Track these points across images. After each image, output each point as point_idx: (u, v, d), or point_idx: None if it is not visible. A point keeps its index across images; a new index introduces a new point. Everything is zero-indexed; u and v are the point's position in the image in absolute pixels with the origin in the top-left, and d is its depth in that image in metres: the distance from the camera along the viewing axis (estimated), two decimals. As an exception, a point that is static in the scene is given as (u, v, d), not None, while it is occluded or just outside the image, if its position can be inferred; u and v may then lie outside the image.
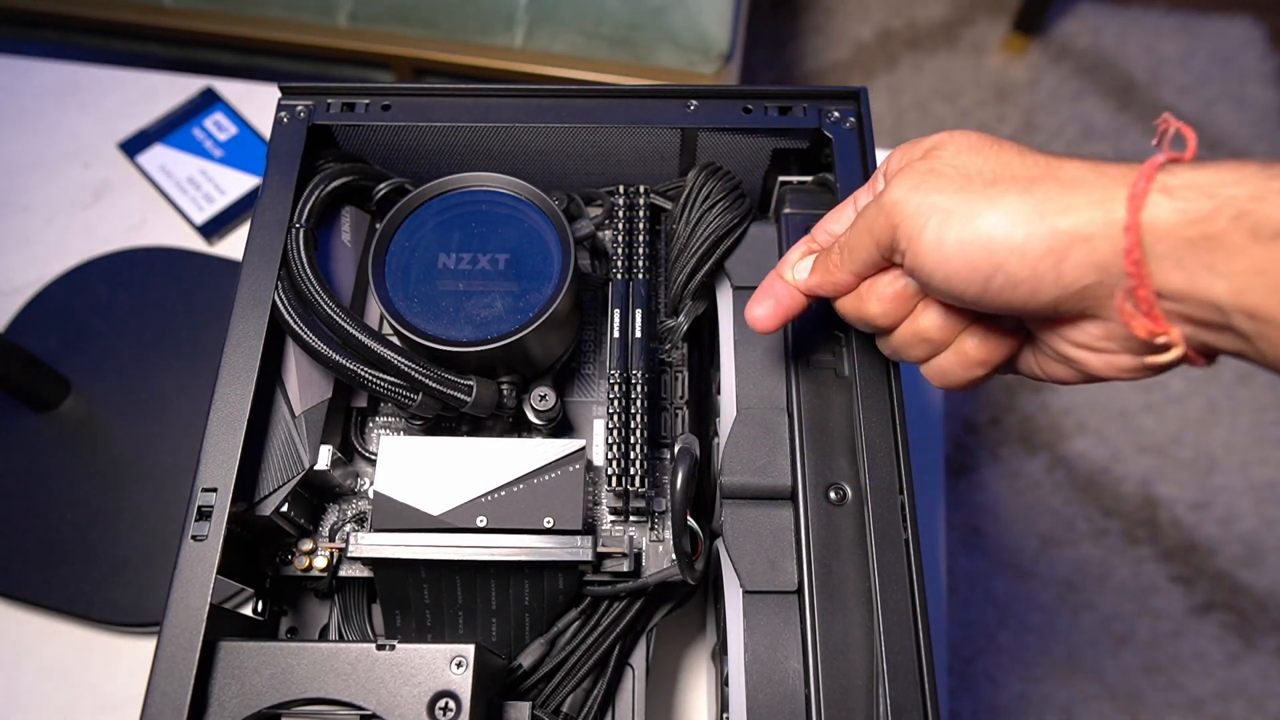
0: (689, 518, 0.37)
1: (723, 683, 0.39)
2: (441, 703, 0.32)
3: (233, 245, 0.63)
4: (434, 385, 0.38)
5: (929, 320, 0.31)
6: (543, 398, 0.42)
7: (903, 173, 0.29)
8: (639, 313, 0.42)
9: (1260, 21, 1.47)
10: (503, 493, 0.38)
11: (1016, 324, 0.31)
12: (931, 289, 0.29)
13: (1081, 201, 0.25)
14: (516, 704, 0.36)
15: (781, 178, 0.46)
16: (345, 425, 0.43)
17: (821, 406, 0.38)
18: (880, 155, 0.43)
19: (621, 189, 0.46)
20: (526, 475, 0.38)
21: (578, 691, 0.40)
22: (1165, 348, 0.25)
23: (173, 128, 0.66)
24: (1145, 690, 1.05)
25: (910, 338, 0.32)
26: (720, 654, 0.39)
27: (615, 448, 0.40)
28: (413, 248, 0.41)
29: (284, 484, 0.38)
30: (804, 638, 0.34)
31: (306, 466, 0.39)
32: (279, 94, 0.45)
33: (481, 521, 0.38)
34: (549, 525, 0.38)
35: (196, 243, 0.62)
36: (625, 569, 0.39)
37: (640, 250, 0.44)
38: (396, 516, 0.38)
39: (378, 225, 0.45)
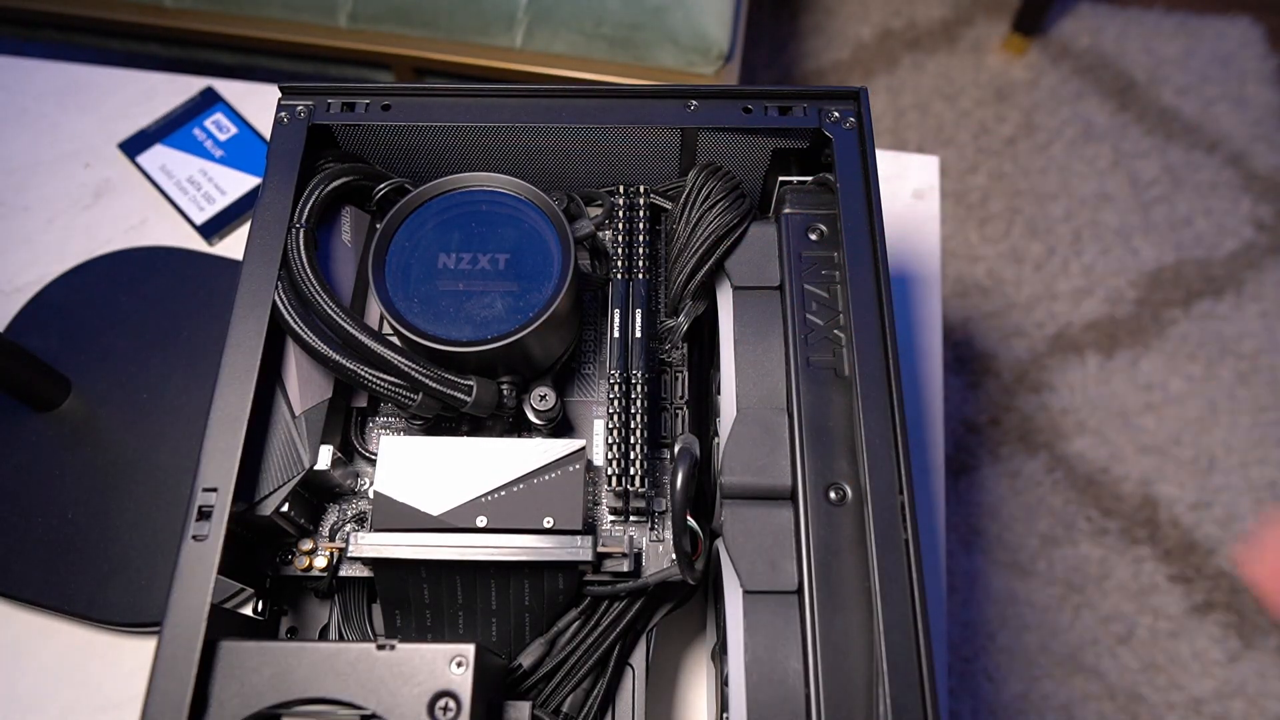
0: (689, 518, 0.37)
1: (723, 683, 0.39)
2: (442, 703, 0.32)
3: (233, 245, 0.63)
4: (434, 385, 0.38)
5: None
6: (543, 398, 0.42)
7: None
8: (639, 313, 0.42)
9: (1260, 21, 1.47)
10: (503, 493, 0.38)
11: None
12: None
13: None
14: (516, 704, 0.36)
15: (781, 178, 0.46)
16: (345, 425, 0.43)
17: (821, 406, 0.38)
18: (880, 155, 0.42)
19: (621, 189, 0.46)
20: (526, 475, 0.38)
21: (578, 691, 0.40)
22: None
23: (173, 128, 0.66)
24: (1145, 690, 1.05)
25: None
26: (720, 654, 0.39)
27: (615, 448, 0.40)
28: (413, 248, 0.41)
29: (284, 484, 0.38)
30: (804, 638, 0.34)
31: (306, 466, 0.39)
32: (279, 94, 0.45)
33: (481, 521, 0.38)
34: (549, 525, 0.38)
35: (196, 243, 0.62)
36: (625, 569, 0.39)
37: (640, 250, 0.44)
38: (396, 516, 0.38)
39: (378, 225, 0.46)
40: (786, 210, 0.43)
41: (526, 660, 0.39)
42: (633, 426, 0.40)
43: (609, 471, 0.40)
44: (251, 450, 0.38)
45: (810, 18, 1.50)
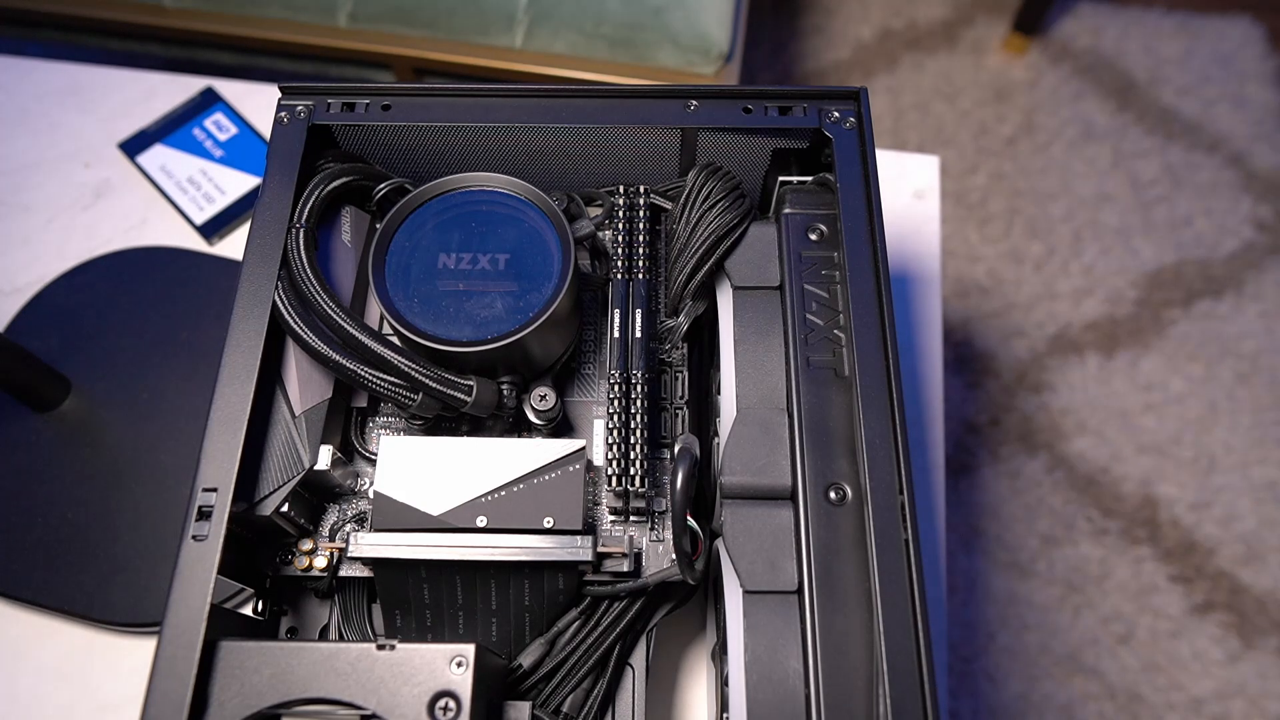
0: (689, 518, 0.37)
1: (723, 683, 0.39)
2: (442, 703, 0.32)
3: (233, 245, 0.63)
4: (434, 385, 0.38)
5: None
6: (543, 398, 0.42)
7: None
8: (639, 313, 0.42)
9: (1260, 21, 1.47)
10: (503, 493, 0.38)
11: None
12: None
13: None
14: (516, 704, 0.36)
15: (781, 178, 0.46)
16: (345, 425, 0.43)
17: (821, 406, 0.38)
18: (880, 155, 0.42)
19: (621, 189, 0.46)
20: (526, 475, 0.38)
21: (578, 691, 0.40)
22: None
23: (173, 128, 0.66)
24: (1145, 690, 1.05)
25: None
26: (720, 654, 0.39)
27: (615, 448, 0.40)
28: (413, 248, 0.41)
29: (284, 484, 0.38)
30: (804, 638, 0.34)
31: (306, 466, 0.39)
32: (279, 94, 0.45)
33: (481, 521, 0.38)
34: (549, 525, 0.38)
35: (196, 243, 0.62)
36: (625, 569, 0.39)
37: (640, 250, 0.44)
38: (396, 516, 0.38)
39: (378, 225, 0.46)
40: (786, 210, 0.43)
41: (526, 660, 0.39)
42: (633, 426, 0.40)
43: (609, 471, 0.39)
44: (251, 450, 0.38)
45: (810, 18, 1.50)
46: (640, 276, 0.44)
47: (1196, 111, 1.40)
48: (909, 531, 0.35)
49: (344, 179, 0.44)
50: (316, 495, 0.42)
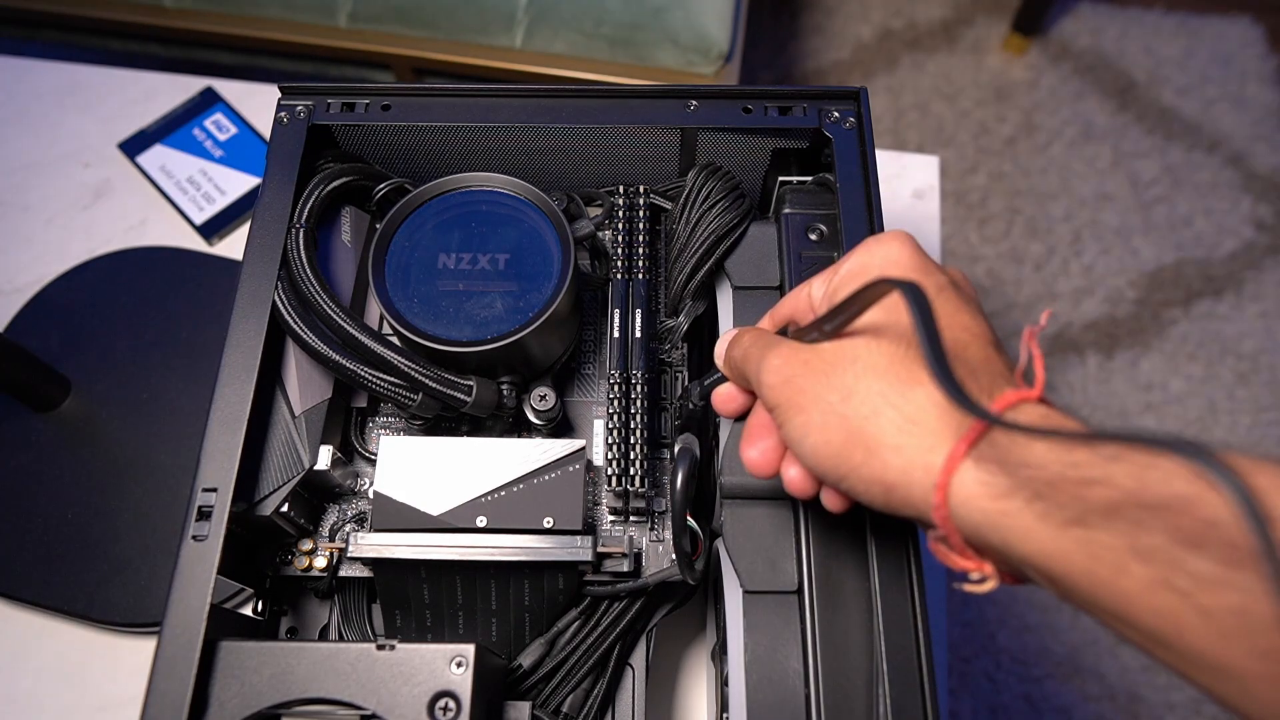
0: (689, 518, 0.37)
1: (723, 683, 0.39)
2: (441, 703, 0.32)
3: (233, 245, 0.63)
4: (434, 385, 0.38)
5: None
6: (543, 398, 0.42)
7: (796, 363, 0.29)
8: (639, 313, 0.42)
9: (1260, 21, 1.47)
10: (503, 493, 0.38)
11: None
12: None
13: (913, 445, 0.25)
14: (516, 704, 0.36)
15: (781, 178, 0.46)
16: (345, 425, 0.43)
17: (821, 406, 0.38)
18: (880, 155, 0.42)
19: (621, 189, 0.46)
20: (526, 475, 0.38)
21: (578, 691, 0.40)
22: (980, 579, 0.25)
23: (173, 128, 0.66)
24: (1145, 690, 1.05)
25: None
26: (720, 654, 0.39)
27: (615, 448, 0.40)
28: (413, 248, 0.41)
29: (284, 484, 0.38)
30: (804, 638, 0.34)
31: (306, 466, 0.39)
32: (279, 94, 0.45)
33: (481, 521, 0.38)
34: (549, 525, 0.38)
35: (196, 243, 0.62)
36: (625, 569, 0.39)
37: (640, 250, 0.44)
38: (396, 516, 0.38)
39: (378, 225, 0.46)
40: (786, 210, 0.43)
41: (526, 660, 0.39)
42: (633, 426, 0.40)
43: (609, 471, 0.39)
44: (251, 450, 0.38)
45: (810, 18, 1.50)
46: (640, 276, 0.44)
47: (1196, 111, 1.40)
48: (909, 532, 0.35)
49: (344, 179, 0.44)
50: (316, 495, 0.42)
